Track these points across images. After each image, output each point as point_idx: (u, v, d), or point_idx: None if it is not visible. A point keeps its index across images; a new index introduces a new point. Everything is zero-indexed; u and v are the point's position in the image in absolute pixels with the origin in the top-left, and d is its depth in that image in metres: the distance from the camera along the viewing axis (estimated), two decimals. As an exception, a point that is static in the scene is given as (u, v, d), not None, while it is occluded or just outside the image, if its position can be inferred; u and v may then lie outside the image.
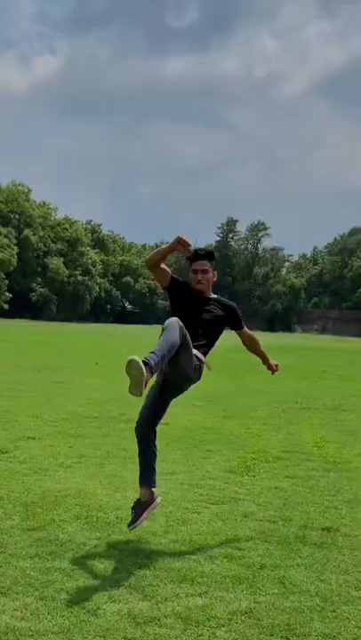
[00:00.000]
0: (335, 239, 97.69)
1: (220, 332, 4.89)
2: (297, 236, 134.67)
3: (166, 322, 4.30)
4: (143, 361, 3.96)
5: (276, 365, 5.19)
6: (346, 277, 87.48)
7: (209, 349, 4.79)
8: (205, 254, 4.91)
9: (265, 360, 5.17)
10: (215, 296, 4.97)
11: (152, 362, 4.00)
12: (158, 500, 4.69)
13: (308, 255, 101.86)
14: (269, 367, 5.19)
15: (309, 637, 3.27)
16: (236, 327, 4.94)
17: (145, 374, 3.90)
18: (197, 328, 4.66)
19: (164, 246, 4.78)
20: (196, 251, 4.87)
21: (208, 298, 4.88)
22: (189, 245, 4.61)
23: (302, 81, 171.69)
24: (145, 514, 4.56)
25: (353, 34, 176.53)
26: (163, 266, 4.77)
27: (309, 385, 16.11)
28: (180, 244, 4.57)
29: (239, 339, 5.06)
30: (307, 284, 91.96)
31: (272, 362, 5.16)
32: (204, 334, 4.73)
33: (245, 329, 4.98)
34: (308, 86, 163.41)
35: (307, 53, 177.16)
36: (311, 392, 14.44)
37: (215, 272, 4.96)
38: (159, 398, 4.65)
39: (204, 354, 4.71)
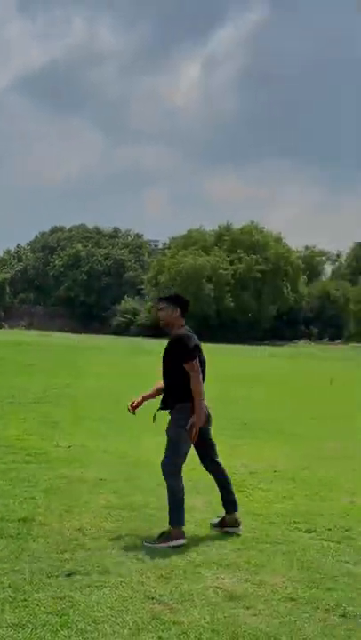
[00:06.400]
0: (36, 237, 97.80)
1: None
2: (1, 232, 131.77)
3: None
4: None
5: None
6: (49, 274, 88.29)
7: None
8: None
9: None
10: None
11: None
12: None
13: (13, 251, 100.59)
14: None
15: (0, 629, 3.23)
16: None
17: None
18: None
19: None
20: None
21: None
22: None
23: (3, 80, 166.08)
24: None
25: (53, 35, 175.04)
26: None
27: (19, 379, 15.89)
28: None
29: None
30: (12, 280, 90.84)
31: None
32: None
33: None
34: (9, 85, 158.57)
35: (8, 51, 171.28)
36: (21, 385, 14.24)
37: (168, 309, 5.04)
38: None
39: None
